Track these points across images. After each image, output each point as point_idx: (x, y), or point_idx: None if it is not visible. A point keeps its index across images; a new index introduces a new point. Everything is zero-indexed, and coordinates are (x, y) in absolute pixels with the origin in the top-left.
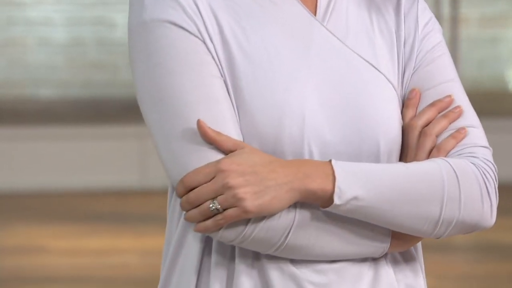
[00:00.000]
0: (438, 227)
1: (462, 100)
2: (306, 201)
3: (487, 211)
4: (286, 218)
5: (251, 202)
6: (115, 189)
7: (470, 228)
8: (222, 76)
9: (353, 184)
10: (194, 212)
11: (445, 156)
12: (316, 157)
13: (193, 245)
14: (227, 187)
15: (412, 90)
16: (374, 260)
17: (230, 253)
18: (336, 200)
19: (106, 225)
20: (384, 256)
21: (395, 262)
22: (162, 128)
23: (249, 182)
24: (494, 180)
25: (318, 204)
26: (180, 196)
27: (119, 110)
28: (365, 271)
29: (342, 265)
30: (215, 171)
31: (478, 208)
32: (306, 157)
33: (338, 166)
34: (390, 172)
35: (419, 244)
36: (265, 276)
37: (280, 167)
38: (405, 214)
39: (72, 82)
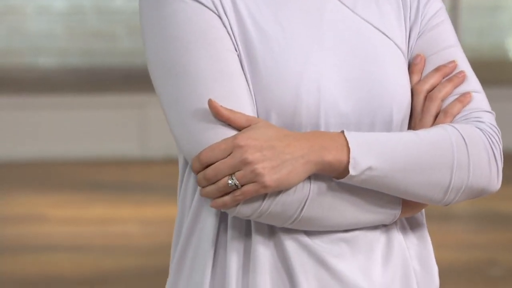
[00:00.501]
0: (448, 194)
1: (464, 65)
2: (321, 173)
3: (494, 176)
4: (301, 191)
5: (270, 177)
6: (115, 158)
7: (478, 193)
8: (236, 50)
9: (367, 154)
10: (211, 188)
11: (451, 120)
12: (332, 128)
13: (208, 220)
14: (245, 163)
15: (417, 56)
16: (385, 227)
17: (246, 227)
18: (352, 171)
19: (106, 194)
20: (395, 223)
21: (403, 229)
22: (176, 104)
23: (267, 157)
24: (499, 144)
25: (332, 175)
26: (197, 173)
27: (119, 79)
28: (378, 239)
29: (355, 233)
30: (232, 146)
31: (485, 173)
32: (323, 128)
33: (351, 137)
34: (402, 141)
35: (423, 212)
36: (281, 246)
37: (295, 140)
38: (417, 182)
39: (71, 51)
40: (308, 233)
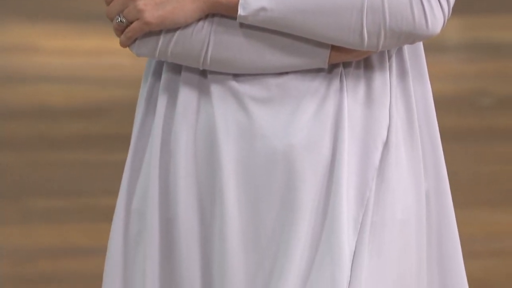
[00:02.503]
0: (366, 37)
1: None
2: (214, 12)
3: (420, 20)
4: (200, 32)
5: (150, 13)
6: None
7: (408, 37)
8: None
9: None
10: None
11: None
12: None
13: (151, 68)
14: None
15: None
16: (327, 78)
17: (178, 70)
18: (241, 11)
19: (99, 26)
20: (341, 78)
21: (355, 88)
22: None
23: None
24: None
25: (229, 15)
26: None
27: None
28: (314, 88)
29: (287, 79)
30: None
31: (407, 17)
32: None
33: None
34: None
35: (385, 66)
36: (207, 90)
37: None
38: (323, 24)
39: None
40: (237, 77)
